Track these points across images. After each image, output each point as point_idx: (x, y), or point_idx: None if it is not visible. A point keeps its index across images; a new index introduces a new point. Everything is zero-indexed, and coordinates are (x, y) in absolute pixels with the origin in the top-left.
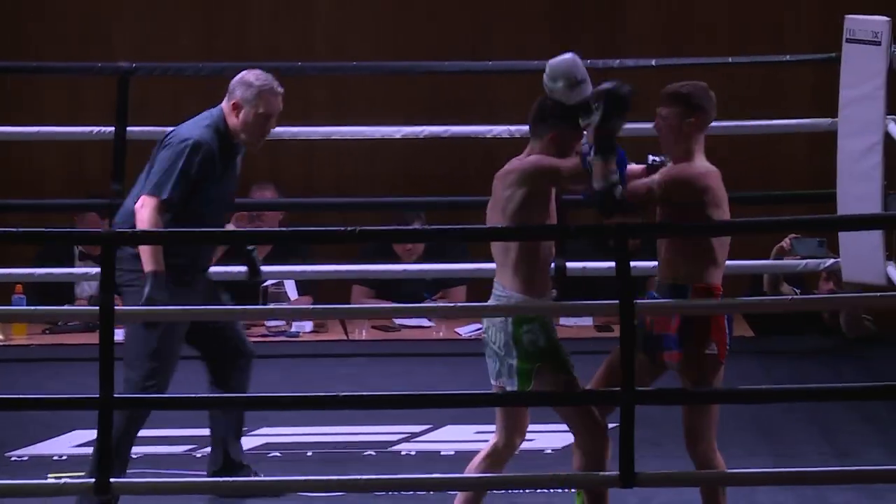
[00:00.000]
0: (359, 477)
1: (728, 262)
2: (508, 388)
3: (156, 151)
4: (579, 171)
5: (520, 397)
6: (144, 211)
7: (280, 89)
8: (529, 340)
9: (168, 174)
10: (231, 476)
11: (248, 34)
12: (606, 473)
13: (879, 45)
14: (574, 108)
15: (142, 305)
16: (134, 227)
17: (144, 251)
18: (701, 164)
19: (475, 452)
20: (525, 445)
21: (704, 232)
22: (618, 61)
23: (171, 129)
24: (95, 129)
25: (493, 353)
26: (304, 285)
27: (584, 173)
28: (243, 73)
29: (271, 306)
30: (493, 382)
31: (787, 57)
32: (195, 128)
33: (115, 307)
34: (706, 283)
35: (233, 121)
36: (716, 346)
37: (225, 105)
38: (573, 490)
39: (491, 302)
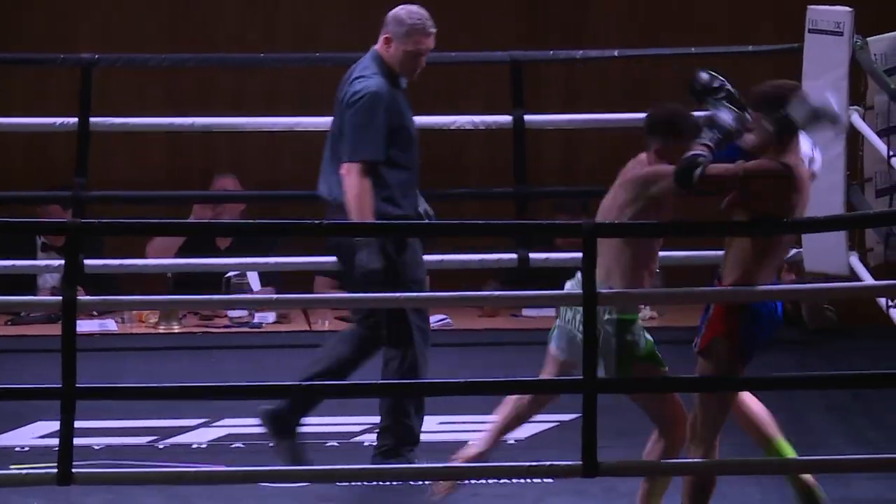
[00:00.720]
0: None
1: (690, 254)
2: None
3: (338, 112)
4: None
5: (498, 385)
6: (350, 178)
7: (432, 29)
8: (631, 342)
9: (359, 135)
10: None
11: (214, 25)
12: (569, 463)
13: (842, 35)
14: (680, 124)
15: (359, 276)
16: (340, 198)
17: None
18: (791, 161)
19: (438, 443)
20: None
21: (664, 233)
22: (580, 52)
23: (346, 86)
24: (59, 120)
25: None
26: (267, 276)
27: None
28: (398, 8)
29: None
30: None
31: (750, 47)
32: (367, 79)
33: (79, 297)
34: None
35: (386, 54)
36: (727, 339)
37: (380, 40)
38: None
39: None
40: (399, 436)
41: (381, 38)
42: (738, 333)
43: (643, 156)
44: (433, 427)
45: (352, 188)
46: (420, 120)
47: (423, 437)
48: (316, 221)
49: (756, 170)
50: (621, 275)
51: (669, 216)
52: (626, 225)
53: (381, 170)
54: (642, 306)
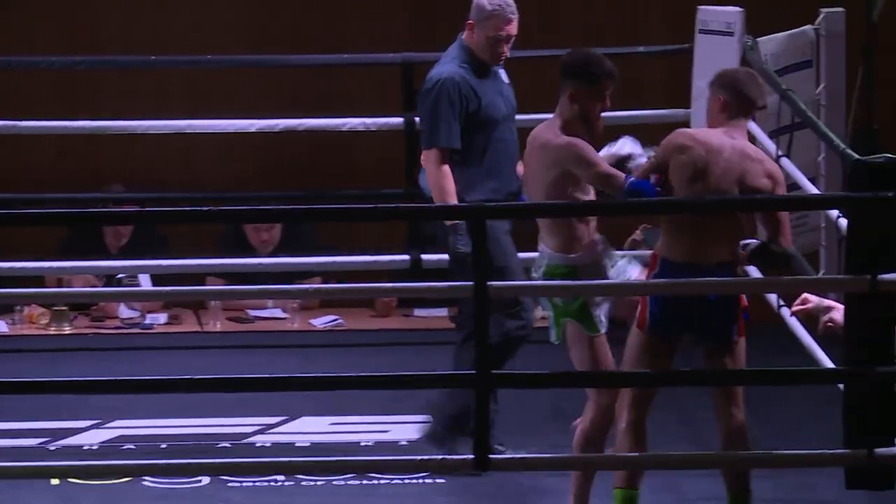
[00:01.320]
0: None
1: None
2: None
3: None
4: (610, 180)
5: (390, 381)
6: (428, 166)
7: (512, 14)
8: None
9: (433, 122)
10: None
11: (103, 27)
12: (461, 457)
13: (732, 35)
14: (596, 74)
15: (450, 259)
16: (427, 188)
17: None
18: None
19: (330, 444)
20: (380, 437)
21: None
22: None
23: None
24: None
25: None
26: (159, 279)
27: (614, 183)
28: None
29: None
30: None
31: (641, 48)
32: (441, 66)
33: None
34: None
35: (470, 41)
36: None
37: (466, 27)
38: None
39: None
40: (448, 423)
41: (466, 25)
42: (644, 309)
43: (551, 118)
44: (325, 428)
45: (430, 176)
46: (311, 122)
47: (313, 438)
48: (209, 209)
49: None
50: (554, 230)
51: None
52: (516, 207)
53: (461, 155)
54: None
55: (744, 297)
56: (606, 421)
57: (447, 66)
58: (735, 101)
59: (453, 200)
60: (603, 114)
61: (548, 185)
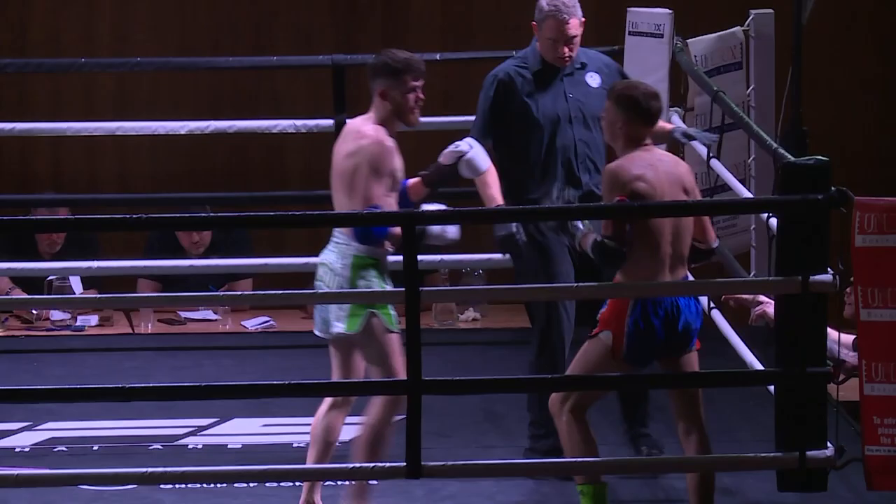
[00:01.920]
0: (148, 469)
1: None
2: (337, 331)
3: None
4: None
5: (313, 387)
6: None
7: (565, 15)
8: (364, 286)
9: (477, 115)
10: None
11: (30, 28)
12: (393, 464)
13: (662, 37)
14: (397, 68)
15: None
16: None
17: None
18: (632, 158)
19: (262, 446)
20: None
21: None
22: None
23: None
24: None
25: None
26: (89, 280)
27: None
28: None
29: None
30: (319, 334)
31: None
32: (501, 63)
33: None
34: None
35: (537, 41)
36: (609, 335)
37: None
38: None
39: (329, 248)
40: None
41: (532, 26)
42: (621, 333)
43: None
44: (256, 429)
45: None
46: (241, 124)
47: (245, 440)
48: (136, 216)
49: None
50: None
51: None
52: (448, 212)
53: (508, 154)
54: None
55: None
56: (391, 413)
57: (505, 63)
58: (638, 115)
59: (490, 192)
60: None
61: (344, 174)
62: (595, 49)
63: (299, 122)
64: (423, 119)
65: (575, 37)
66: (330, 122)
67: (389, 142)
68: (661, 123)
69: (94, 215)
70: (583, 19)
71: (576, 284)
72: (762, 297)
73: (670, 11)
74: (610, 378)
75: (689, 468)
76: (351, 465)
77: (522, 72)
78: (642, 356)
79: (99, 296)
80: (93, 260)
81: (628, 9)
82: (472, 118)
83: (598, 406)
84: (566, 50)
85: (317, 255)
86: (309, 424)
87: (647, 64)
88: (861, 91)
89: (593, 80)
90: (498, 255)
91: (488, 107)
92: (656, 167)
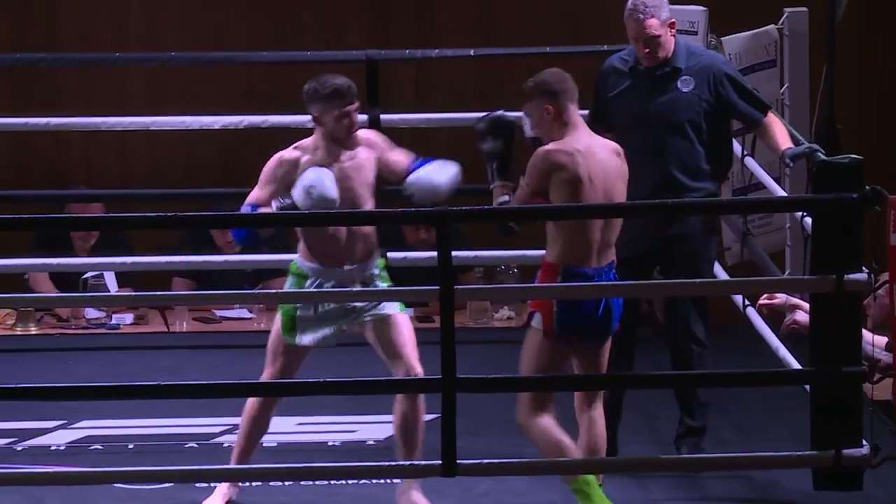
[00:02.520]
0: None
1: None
2: None
3: None
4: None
5: (346, 386)
6: None
7: (643, 15)
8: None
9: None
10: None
11: (61, 24)
12: (428, 462)
13: (696, 34)
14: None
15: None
16: None
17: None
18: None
19: (297, 444)
20: (347, 437)
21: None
22: (437, 51)
23: None
24: None
25: None
26: (124, 277)
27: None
28: None
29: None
30: None
31: (605, 47)
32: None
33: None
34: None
35: None
36: (539, 317)
37: None
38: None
39: None
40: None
41: None
42: (550, 310)
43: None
44: (291, 427)
45: None
46: (274, 119)
47: (280, 438)
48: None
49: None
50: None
51: None
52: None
53: (614, 132)
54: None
55: None
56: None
57: (614, 54)
58: (561, 102)
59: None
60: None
61: None
62: (622, 47)
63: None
64: (458, 115)
65: (656, 37)
66: (364, 117)
67: (287, 155)
68: (776, 139)
69: (126, 213)
70: (669, 19)
71: (621, 283)
72: (795, 300)
73: (705, 9)
74: (643, 376)
75: (725, 466)
76: (387, 464)
77: (620, 66)
78: (571, 331)
79: (128, 294)
80: (126, 255)
81: None
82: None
83: (631, 403)
84: (647, 50)
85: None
86: (343, 423)
87: None
88: (894, 89)
89: (686, 84)
90: (533, 252)
91: (594, 94)
92: (590, 155)
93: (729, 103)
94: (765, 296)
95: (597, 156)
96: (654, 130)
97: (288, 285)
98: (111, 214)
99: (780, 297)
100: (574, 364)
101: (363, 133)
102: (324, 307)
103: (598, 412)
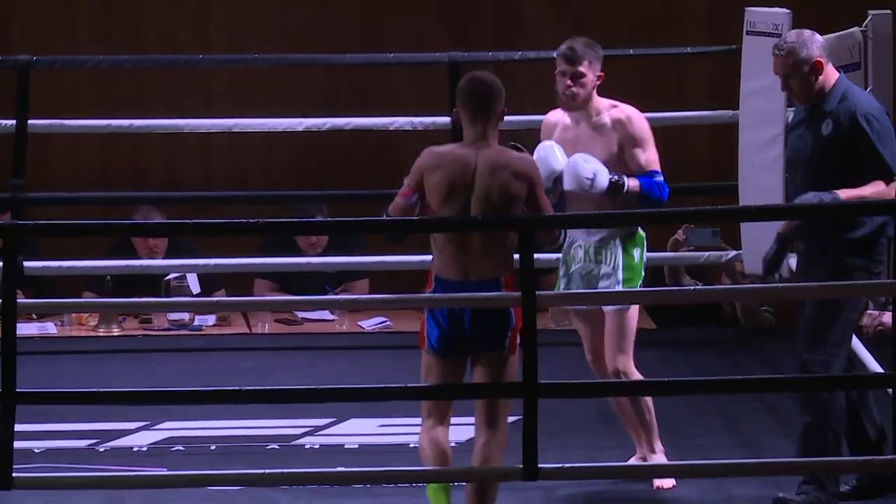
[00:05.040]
0: (264, 471)
1: None
2: None
3: None
4: None
5: (430, 391)
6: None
7: (778, 51)
8: None
9: None
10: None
11: (144, 26)
12: (509, 466)
13: (780, 37)
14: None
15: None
16: None
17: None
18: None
19: (379, 446)
20: None
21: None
22: (519, 54)
23: None
24: None
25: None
26: (208, 278)
27: None
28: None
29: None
30: None
31: (688, 49)
32: None
33: (19, 300)
34: None
35: None
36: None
37: None
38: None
39: None
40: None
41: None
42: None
43: None
44: (373, 430)
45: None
46: (358, 121)
47: (362, 440)
48: (251, 220)
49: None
50: None
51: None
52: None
53: None
54: None
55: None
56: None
57: None
58: (463, 109)
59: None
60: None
61: None
62: (710, 48)
63: (416, 120)
64: (533, 117)
65: (784, 76)
66: (447, 119)
67: None
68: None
69: (209, 220)
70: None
71: (693, 287)
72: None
73: (788, 11)
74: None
75: (807, 470)
76: (467, 467)
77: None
78: (440, 346)
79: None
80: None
81: (746, 8)
82: None
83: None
84: (786, 89)
85: (429, 255)
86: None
87: (765, 64)
88: None
89: (826, 127)
90: None
91: None
92: (462, 165)
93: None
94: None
95: (470, 168)
96: (800, 171)
97: None
98: (196, 221)
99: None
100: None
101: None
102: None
103: (500, 428)
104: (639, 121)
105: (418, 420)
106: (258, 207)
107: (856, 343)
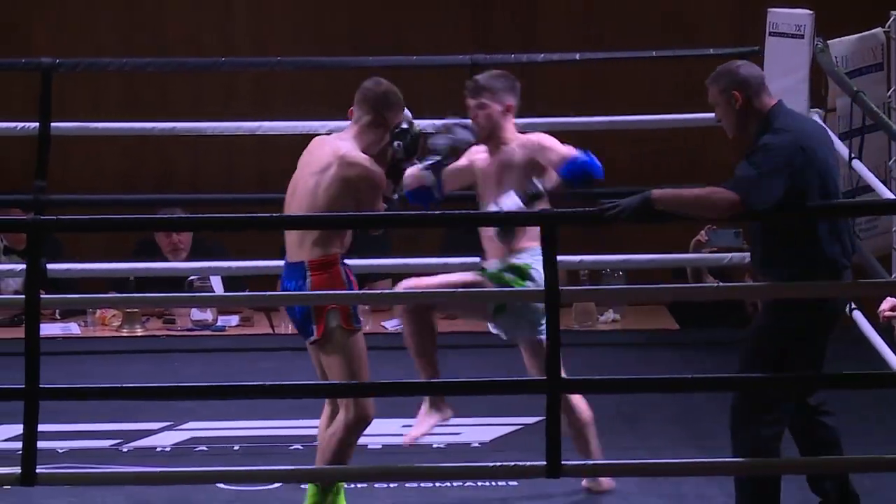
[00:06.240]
0: (290, 467)
1: (649, 256)
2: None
3: None
4: None
5: (461, 386)
6: None
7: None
8: None
9: None
10: None
11: (168, 28)
12: (533, 464)
13: (802, 38)
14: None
15: None
16: None
17: None
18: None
19: (401, 446)
20: (453, 439)
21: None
22: (542, 56)
23: None
24: (20, 124)
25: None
26: (231, 281)
27: None
28: None
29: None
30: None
31: (711, 50)
32: None
33: (42, 296)
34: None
35: None
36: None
37: None
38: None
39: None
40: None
41: None
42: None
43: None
44: (396, 430)
45: None
46: None
47: (385, 440)
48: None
49: None
50: None
51: None
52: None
53: None
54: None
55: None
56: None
57: None
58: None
59: None
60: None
61: None
62: (732, 49)
63: (439, 122)
64: (562, 119)
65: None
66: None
67: None
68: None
69: (232, 215)
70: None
71: (717, 285)
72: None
73: (811, 12)
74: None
75: (821, 469)
76: (492, 465)
77: None
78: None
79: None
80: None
81: (769, 9)
82: (611, 118)
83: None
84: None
85: (449, 257)
86: (448, 425)
87: (788, 64)
88: None
89: None
90: (639, 256)
91: None
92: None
93: None
94: (886, 307)
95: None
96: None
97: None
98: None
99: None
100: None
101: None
102: None
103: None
104: (543, 136)
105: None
106: (281, 209)
107: (878, 342)
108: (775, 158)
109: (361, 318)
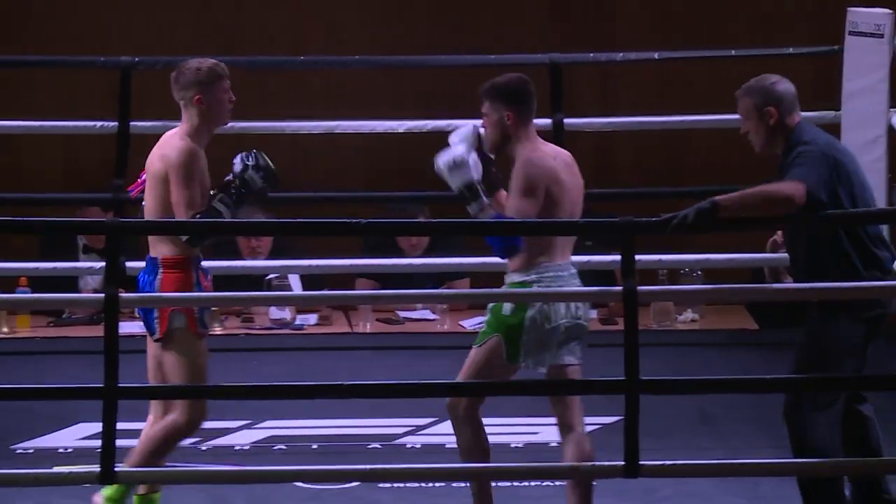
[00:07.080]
0: (366, 467)
1: (727, 256)
2: None
3: None
4: None
5: (528, 386)
6: None
7: None
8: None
9: None
10: None
11: (243, 27)
12: (611, 463)
13: (882, 37)
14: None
15: None
16: None
17: None
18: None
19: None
20: (530, 439)
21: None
22: (621, 55)
23: None
24: (98, 123)
25: None
26: (308, 279)
27: None
28: None
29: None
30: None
31: (791, 49)
32: None
33: (121, 294)
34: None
35: None
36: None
37: None
38: None
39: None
40: None
41: None
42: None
43: None
44: (449, 429)
45: None
46: (459, 123)
47: (437, 439)
48: (354, 220)
49: None
50: None
51: None
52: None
53: None
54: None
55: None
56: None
57: None
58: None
59: None
60: None
61: None
62: (812, 48)
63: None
64: (638, 119)
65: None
66: (547, 121)
67: None
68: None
69: (307, 219)
70: None
71: (775, 286)
72: None
73: (891, 11)
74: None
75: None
76: (568, 465)
77: None
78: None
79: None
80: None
81: (849, 9)
82: (685, 117)
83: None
84: None
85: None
86: (525, 424)
87: (867, 64)
88: None
89: None
90: (717, 256)
91: None
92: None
93: None
94: None
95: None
96: None
97: None
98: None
99: None
100: None
101: None
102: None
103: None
104: (519, 165)
105: (519, 419)
106: (356, 207)
107: None
108: (816, 156)
109: (209, 325)
